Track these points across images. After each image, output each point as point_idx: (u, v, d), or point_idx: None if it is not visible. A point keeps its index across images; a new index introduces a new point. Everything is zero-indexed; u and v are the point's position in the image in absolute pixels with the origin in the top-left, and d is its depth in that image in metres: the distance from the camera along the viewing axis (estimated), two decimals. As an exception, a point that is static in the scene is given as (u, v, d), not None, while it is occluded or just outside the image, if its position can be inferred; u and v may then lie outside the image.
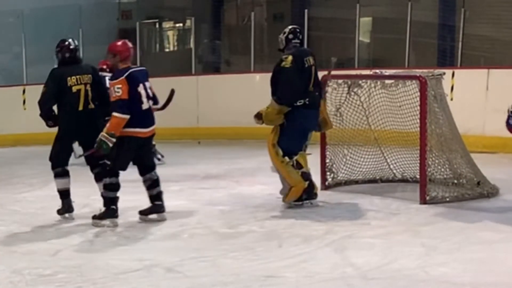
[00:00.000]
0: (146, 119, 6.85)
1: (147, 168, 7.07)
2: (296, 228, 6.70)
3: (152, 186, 7.09)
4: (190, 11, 17.20)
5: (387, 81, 8.28)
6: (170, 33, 18.27)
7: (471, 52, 12.23)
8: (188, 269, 5.52)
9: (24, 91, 13.67)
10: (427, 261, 5.48)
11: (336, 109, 8.34)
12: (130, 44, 7.00)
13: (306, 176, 7.45)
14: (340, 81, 8.42)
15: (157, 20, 17.47)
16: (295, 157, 7.39)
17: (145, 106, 6.79)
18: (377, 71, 8.83)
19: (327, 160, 8.34)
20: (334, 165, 8.40)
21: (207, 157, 11.50)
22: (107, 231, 6.82)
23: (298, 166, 7.40)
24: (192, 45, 15.00)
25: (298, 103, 7.32)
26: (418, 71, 8.23)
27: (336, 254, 5.80)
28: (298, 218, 7.04)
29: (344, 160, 8.47)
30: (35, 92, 13.84)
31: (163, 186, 8.96)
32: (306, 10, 13.70)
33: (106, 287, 5.21)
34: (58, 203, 7.33)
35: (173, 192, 8.63)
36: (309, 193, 7.48)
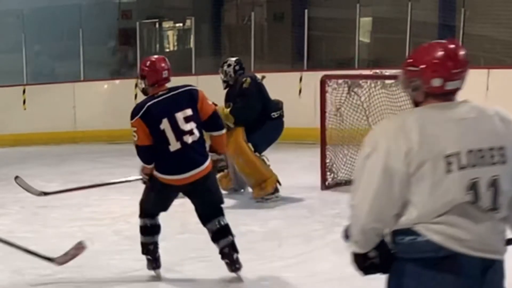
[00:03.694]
0: (179, 163, 5.12)
1: (205, 217, 5.41)
2: (296, 228, 6.70)
3: (214, 238, 5.37)
4: (190, 11, 17.20)
5: (387, 81, 8.29)
6: (170, 33, 18.26)
7: (471, 52, 12.18)
8: (188, 269, 5.52)
9: (24, 91, 13.66)
10: (427, 261, 5.48)
11: (336, 109, 8.35)
12: (163, 64, 5.31)
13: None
14: (340, 81, 8.43)
15: (157, 20, 17.46)
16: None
17: (174, 147, 5.10)
18: (377, 71, 8.84)
19: (327, 160, 8.34)
20: (334, 165, 8.40)
21: (207, 157, 11.49)
22: (107, 231, 6.82)
23: (266, 161, 7.82)
24: (192, 45, 15.00)
25: (276, 115, 7.84)
26: (418, 71, 8.22)
27: (336, 254, 5.79)
28: (298, 218, 7.04)
29: (344, 160, 8.47)
30: (35, 92, 13.94)
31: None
32: (306, 10, 13.71)
33: (106, 287, 5.22)
34: (58, 203, 7.31)
35: (173, 192, 8.64)
36: (275, 187, 7.78)
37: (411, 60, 2.71)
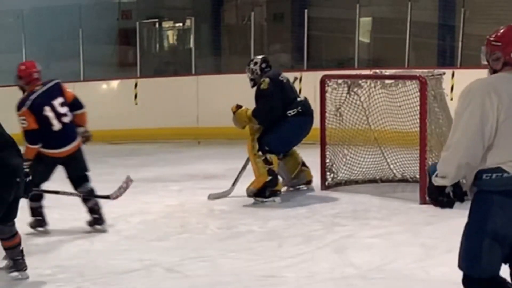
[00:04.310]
0: (60, 139, 6.63)
1: (77, 181, 6.79)
2: (296, 228, 6.70)
3: (85, 199, 6.79)
4: (190, 11, 17.21)
5: (387, 81, 8.28)
6: (170, 33, 18.26)
7: (471, 52, 12.22)
8: (188, 269, 5.52)
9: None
10: (427, 261, 5.48)
11: (336, 109, 8.35)
12: (34, 68, 6.92)
13: (272, 173, 7.73)
14: (340, 81, 8.42)
15: (157, 20, 17.45)
16: (269, 155, 7.72)
17: (56, 127, 6.59)
18: (377, 71, 8.83)
19: (327, 160, 8.34)
20: (334, 165, 8.40)
21: (207, 157, 11.50)
22: (107, 231, 6.82)
23: (268, 163, 7.72)
24: (192, 45, 15.01)
25: (292, 113, 7.75)
26: (418, 71, 8.23)
27: (336, 254, 5.80)
28: (298, 218, 7.04)
29: (344, 160, 8.47)
30: (35, 92, 13.92)
31: (163, 186, 9.02)
32: (306, 10, 13.69)
33: (106, 287, 5.22)
34: (58, 203, 7.31)
35: (173, 192, 8.65)
36: (271, 190, 7.73)
37: (494, 36, 3.50)
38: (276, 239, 6.27)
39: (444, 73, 8.03)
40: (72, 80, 14.30)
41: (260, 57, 8.21)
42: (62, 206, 7.64)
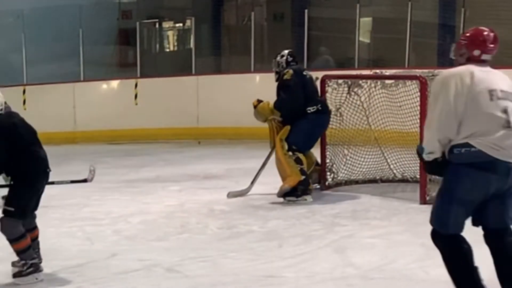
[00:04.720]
0: None
1: None
2: (296, 228, 6.70)
3: None
4: (190, 11, 17.20)
5: (387, 81, 8.28)
6: (170, 33, 18.26)
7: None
8: (188, 269, 5.52)
9: (24, 91, 13.68)
10: (427, 261, 5.47)
11: (336, 109, 8.35)
12: None
13: (304, 173, 7.71)
14: (340, 81, 8.42)
15: (157, 20, 17.45)
16: (298, 154, 7.72)
17: None
18: (377, 71, 8.83)
19: (327, 160, 8.34)
20: (334, 165, 8.40)
21: (207, 157, 11.50)
22: (107, 231, 6.82)
23: (300, 162, 7.71)
24: (192, 45, 15.00)
25: (312, 110, 7.77)
26: (418, 71, 8.23)
27: (336, 254, 5.80)
28: (298, 218, 7.04)
29: (344, 160, 8.47)
30: (35, 92, 13.93)
31: (163, 186, 9.02)
32: (306, 10, 13.70)
33: (106, 287, 5.21)
34: (58, 203, 7.31)
35: (173, 192, 8.65)
36: (303, 190, 7.70)
37: (463, 36, 4.32)
38: (276, 239, 6.27)
39: (444, 73, 8.02)
40: (72, 80, 14.34)
41: (287, 51, 8.15)
42: (62, 206, 7.66)
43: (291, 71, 7.82)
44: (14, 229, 5.24)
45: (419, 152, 4.21)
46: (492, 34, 4.29)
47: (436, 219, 4.26)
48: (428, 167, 4.26)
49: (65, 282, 5.31)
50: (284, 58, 8.00)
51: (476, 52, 4.21)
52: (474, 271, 4.23)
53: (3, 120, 5.30)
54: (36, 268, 5.34)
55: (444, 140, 4.06)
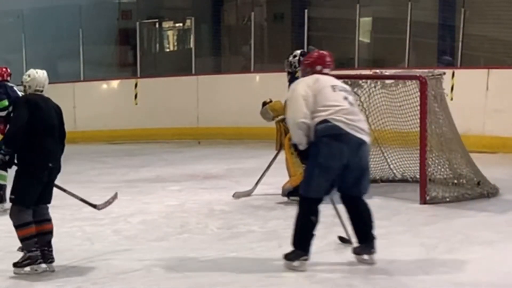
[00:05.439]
0: None
1: None
2: (296, 228, 6.69)
3: None
4: (190, 11, 17.19)
5: (387, 81, 8.28)
6: (170, 33, 18.24)
7: (471, 52, 12.22)
8: (188, 269, 5.52)
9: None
10: (427, 261, 5.48)
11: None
12: None
13: None
14: (340, 81, 8.40)
15: (157, 20, 17.44)
16: None
17: None
18: (377, 71, 8.83)
19: (327, 160, 8.34)
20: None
21: (207, 157, 11.50)
22: (107, 231, 6.82)
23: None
24: (192, 45, 15.00)
25: None
26: (418, 71, 8.23)
27: (336, 254, 5.80)
28: (298, 218, 7.02)
29: (344, 160, 8.46)
30: (35, 92, 13.90)
31: (163, 186, 9.02)
32: (306, 10, 13.71)
33: (106, 287, 5.22)
34: (58, 203, 7.29)
35: (173, 192, 8.65)
36: None
37: (306, 58, 5.71)
38: (276, 239, 6.27)
39: (444, 73, 8.02)
40: (72, 80, 14.34)
41: (299, 51, 8.14)
42: (62, 206, 7.64)
43: None
44: (17, 216, 5.45)
45: (294, 145, 5.36)
46: (327, 54, 5.63)
47: (302, 184, 5.42)
48: (302, 155, 5.43)
49: (65, 282, 5.31)
50: (297, 58, 7.93)
51: (318, 68, 5.51)
52: (311, 236, 5.39)
53: (36, 97, 5.67)
54: (34, 261, 5.39)
55: (304, 131, 5.20)
